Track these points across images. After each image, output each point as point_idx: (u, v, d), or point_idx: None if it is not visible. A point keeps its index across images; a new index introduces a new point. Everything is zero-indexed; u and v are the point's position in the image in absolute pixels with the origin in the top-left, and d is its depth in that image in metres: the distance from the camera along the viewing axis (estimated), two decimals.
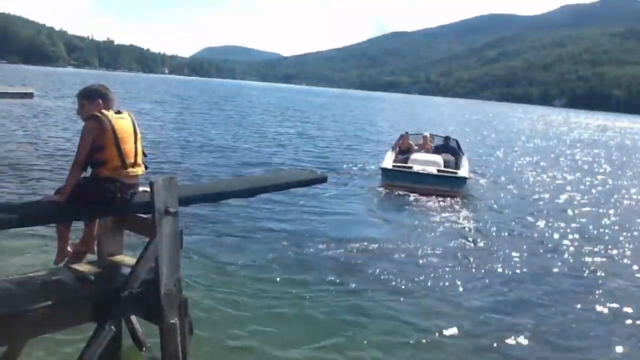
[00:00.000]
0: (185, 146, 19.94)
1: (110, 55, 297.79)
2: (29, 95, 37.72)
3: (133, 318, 4.69)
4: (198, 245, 8.11)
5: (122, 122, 4.08)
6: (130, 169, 4.09)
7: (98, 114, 3.98)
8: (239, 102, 62.67)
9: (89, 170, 4.10)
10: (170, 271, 4.12)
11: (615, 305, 7.20)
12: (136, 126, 4.20)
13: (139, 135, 4.21)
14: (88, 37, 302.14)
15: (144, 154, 4.29)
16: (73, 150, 4.25)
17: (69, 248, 4.43)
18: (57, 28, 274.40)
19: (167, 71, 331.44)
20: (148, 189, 4.04)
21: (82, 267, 4.37)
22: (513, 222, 11.61)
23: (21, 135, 19.15)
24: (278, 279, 7.11)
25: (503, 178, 18.46)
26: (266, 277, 7.16)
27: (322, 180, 6.44)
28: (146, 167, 4.32)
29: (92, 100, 4.12)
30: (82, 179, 4.03)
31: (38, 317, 3.59)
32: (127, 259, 4.58)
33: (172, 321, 4.12)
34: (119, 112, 4.14)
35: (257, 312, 6.05)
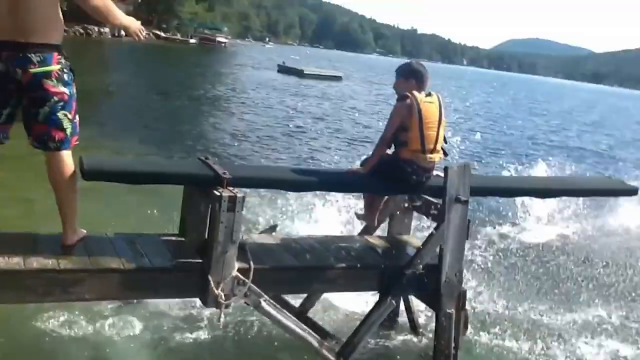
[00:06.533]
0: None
1: (413, 43, 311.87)
2: (337, 79, 42.08)
3: (411, 299, 4.79)
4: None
5: (430, 107, 4.10)
6: (429, 155, 4.09)
7: (409, 95, 4.08)
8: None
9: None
10: (453, 260, 4.07)
11: None
12: (442, 111, 4.18)
13: (443, 122, 4.17)
14: (394, 25, 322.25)
15: (445, 141, 4.28)
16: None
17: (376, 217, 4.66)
18: (367, 16, 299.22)
19: (465, 62, 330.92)
20: (442, 174, 4.05)
21: (372, 239, 4.63)
22: None
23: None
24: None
25: None
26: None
27: (631, 192, 5.23)
28: (445, 154, 4.31)
29: (406, 78, 4.26)
30: (386, 156, 4.23)
31: (333, 275, 3.95)
32: (414, 240, 4.67)
33: (448, 310, 4.08)
34: (429, 95, 4.17)
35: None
